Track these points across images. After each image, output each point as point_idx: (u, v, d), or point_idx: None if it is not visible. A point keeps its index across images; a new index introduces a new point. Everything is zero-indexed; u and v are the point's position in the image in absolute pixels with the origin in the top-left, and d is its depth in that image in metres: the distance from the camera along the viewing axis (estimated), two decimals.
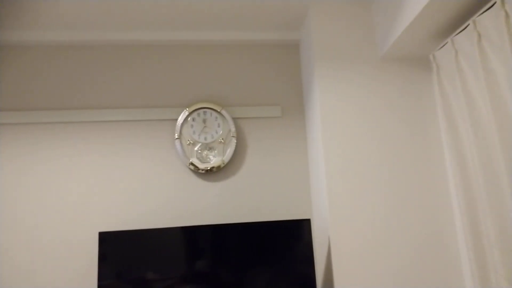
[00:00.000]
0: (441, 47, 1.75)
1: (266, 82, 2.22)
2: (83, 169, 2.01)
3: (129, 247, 1.74)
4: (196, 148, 2.05)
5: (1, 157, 1.99)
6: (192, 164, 2.02)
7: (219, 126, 2.09)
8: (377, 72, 1.94)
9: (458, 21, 1.66)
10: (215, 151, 2.06)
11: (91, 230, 1.95)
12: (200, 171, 2.02)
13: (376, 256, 1.75)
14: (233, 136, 2.07)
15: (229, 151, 2.06)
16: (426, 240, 1.78)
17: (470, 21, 1.51)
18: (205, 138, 2.07)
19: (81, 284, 1.89)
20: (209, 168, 2.02)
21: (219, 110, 2.10)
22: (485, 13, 1.44)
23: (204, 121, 2.09)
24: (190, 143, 2.05)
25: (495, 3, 1.39)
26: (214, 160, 2.05)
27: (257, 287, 1.74)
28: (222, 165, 2.04)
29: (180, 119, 2.07)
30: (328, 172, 1.81)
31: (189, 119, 2.08)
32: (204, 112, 2.10)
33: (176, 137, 2.04)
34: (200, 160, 2.04)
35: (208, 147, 2.06)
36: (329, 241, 1.77)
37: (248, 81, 2.21)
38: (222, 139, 2.07)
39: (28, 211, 1.94)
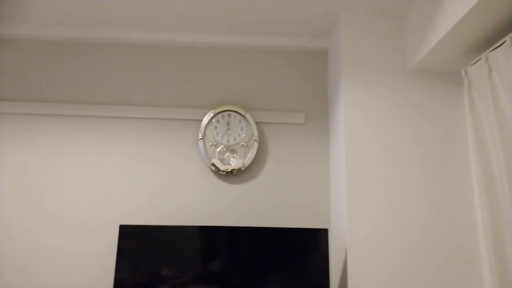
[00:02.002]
0: (474, 63, 1.71)
1: (291, 89, 2.22)
2: (108, 163, 2.07)
3: (147, 242, 1.77)
4: (218, 150, 2.07)
5: (25, 147, 2.06)
6: (213, 165, 2.04)
7: (242, 129, 2.10)
8: (405, 85, 1.92)
9: (493, 37, 1.63)
10: (237, 154, 2.08)
11: (111, 223, 1.99)
12: (221, 172, 2.04)
13: (393, 271, 1.71)
14: (255, 140, 2.08)
15: (251, 155, 2.07)
16: (449, 257, 1.73)
17: (506, 38, 1.47)
18: (228, 140, 2.09)
19: (99, 275, 1.93)
20: (229, 170, 2.04)
21: (243, 114, 2.11)
22: None
23: (228, 123, 2.11)
24: (212, 144, 2.07)
25: None
26: (235, 163, 2.06)
27: None
28: (243, 168, 2.05)
29: (205, 120, 2.10)
30: (349, 183, 1.80)
31: (213, 120, 2.11)
32: (229, 115, 2.12)
33: (200, 137, 2.07)
34: (222, 162, 2.06)
35: (230, 149, 2.08)
36: (345, 252, 1.74)
37: (274, 86, 2.22)
38: (245, 142, 2.09)
39: (49, 201, 2.01)
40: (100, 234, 1.98)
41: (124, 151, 2.09)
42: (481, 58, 1.65)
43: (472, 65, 1.73)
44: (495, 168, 1.59)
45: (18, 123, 2.09)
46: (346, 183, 1.80)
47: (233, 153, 2.08)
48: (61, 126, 2.10)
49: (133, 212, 2.02)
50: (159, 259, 1.75)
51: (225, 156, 2.07)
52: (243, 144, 2.09)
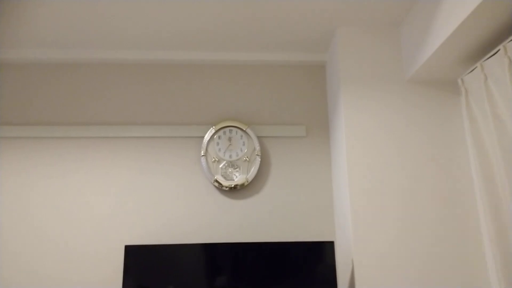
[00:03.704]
0: (470, 71, 1.74)
1: (291, 102, 2.24)
2: (112, 183, 2.07)
3: (153, 260, 1.77)
4: (221, 166, 2.08)
5: (32, 169, 2.07)
6: (216, 181, 2.05)
7: (244, 144, 2.12)
8: (404, 95, 1.94)
9: (488, 46, 1.66)
10: (240, 169, 2.09)
11: (116, 243, 1.99)
12: (224, 188, 2.05)
13: (401, 281, 1.71)
14: (257, 155, 2.09)
15: (253, 170, 2.08)
16: (456, 268, 1.73)
17: (500, 46, 1.50)
18: (230, 156, 2.10)
19: None
20: (233, 186, 2.04)
21: (244, 129, 2.13)
22: None
23: (230, 139, 2.13)
24: (215, 160, 2.09)
25: None
26: (238, 178, 2.07)
27: None
28: (246, 183, 2.06)
29: (207, 137, 2.11)
30: (352, 194, 1.80)
31: (215, 136, 2.12)
32: (230, 130, 2.14)
33: (202, 154, 2.08)
34: (225, 178, 2.07)
35: (233, 164, 2.09)
36: (352, 264, 1.74)
37: (274, 100, 2.24)
38: (247, 157, 2.10)
39: (55, 223, 2.01)
40: (106, 255, 1.98)
41: (127, 171, 2.10)
42: (476, 66, 1.68)
43: (468, 73, 1.76)
44: (496, 175, 1.60)
45: (18, 147, 2.10)
46: (349, 194, 1.80)
47: (236, 168, 2.09)
48: (62, 148, 2.11)
49: (138, 231, 2.02)
50: (165, 278, 1.75)
51: (228, 172, 2.09)
52: (246, 159, 2.10)
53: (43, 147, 2.11)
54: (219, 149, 2.11)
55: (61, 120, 2.16)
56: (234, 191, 2.08)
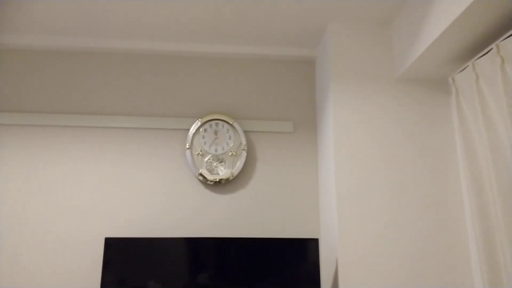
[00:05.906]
0: (461, 70, 1.71)
1: (279, 97, 2.20)
2: (92, 174, 2.01)
3: (133, 254, 1.72)
4: (206, 159, 2.03)
5: (9, 158, 2.00)
6: (201, 174, 2.00)
7: (230, 138, 2.07)
8: (394, 93, 1.92)
9: (480, 45, 1.64)
10: (225, 163, 2.04)
11: (96, 235, 1.93)
12: (209, 182, 2.00)
13: (385, 280, 1.68)
14: (243, 149, 2.05)
15: (239, 164, 2.03)
16: (439, 267, 1.71)
17: (493, 45, 1.48)
18: (216, 150, 2.05)
19: None
20: (217, 180, 2.00)
21: (231, 123, 2.08)
22: (510, 38, 1.41)
23: (216, 132, 2.08)
24: (200, 153, 2.03)
25: None
26: (223, 172, 2.02)
27: None
28: (231, 178, 2.01)
29: (192, 129, 2.06)
30: (338, 191, 1.77)
31: (201, 129, 2.07)
32: (216, 124, 2.09)
33: (187, 147, 2.03)
34: (210, 171, 2.02)
35: (218, 158, 2.04)
36: (336, 262, 1.71)
37: (262, 95, 2.20)
38: (233, 151, 2.05)
39: (34, 213, 1.94)
40: (85, 247, 1.91)
41: (110, 162, 2.03)
42: (468, 65, 1.65)
43: (459, 72, 1.74)
44: (484, 176, 1.58)
45: (1, 134, 2.02)
46: (335, 191, 1.77)
47: (221, 162, 2.04)
48: (43, 137, 2.03)
49: (119, 224, 1.96)
50: (146, 272, 1.70)
51: (213, 166, 2.03)
52: (231, 153, 2.05)
53: (24, 135, 2.03)
54: (205, 142, 2.05)
55: (42, 108, 2.08)
56: (219, 185, 2.03)
